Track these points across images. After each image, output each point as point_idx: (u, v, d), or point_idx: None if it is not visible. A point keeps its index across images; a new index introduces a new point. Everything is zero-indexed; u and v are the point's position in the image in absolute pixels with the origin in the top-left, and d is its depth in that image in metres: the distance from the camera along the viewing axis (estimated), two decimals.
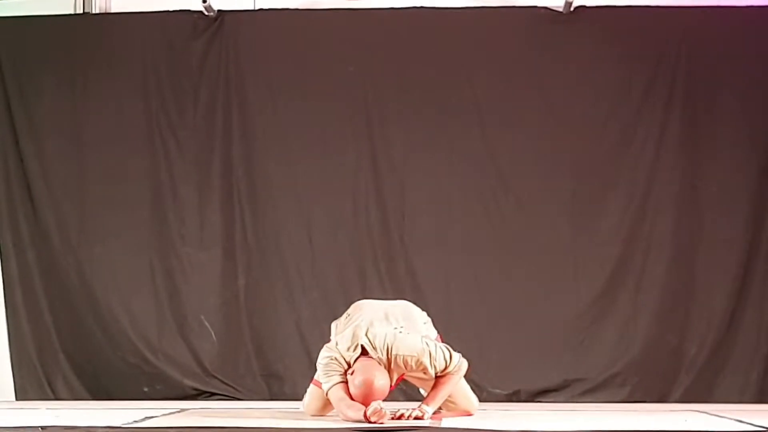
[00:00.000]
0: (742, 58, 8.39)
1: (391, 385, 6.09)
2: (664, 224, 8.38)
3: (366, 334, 6.08)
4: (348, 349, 6.07)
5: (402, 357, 6.04)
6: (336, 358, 6.07)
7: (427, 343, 6.12)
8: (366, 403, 5.83)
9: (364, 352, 6.05)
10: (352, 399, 5.96)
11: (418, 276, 8.43)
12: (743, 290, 8.31)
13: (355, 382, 5.94)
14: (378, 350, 6.03)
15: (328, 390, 6.07)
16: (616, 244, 8.41)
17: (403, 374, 6.20)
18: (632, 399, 8.18)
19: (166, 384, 8.41)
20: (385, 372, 6.01)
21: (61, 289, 8.54)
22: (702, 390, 8.21)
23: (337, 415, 6.22)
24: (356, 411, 5.86)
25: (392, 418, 5.83)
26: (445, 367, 6.11)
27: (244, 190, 8.55)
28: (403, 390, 7.51)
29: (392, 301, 6.62)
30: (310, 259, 8.50)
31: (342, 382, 6.04)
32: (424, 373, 6.12)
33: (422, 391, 6.39)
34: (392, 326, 6.18)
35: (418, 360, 6.05)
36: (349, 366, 6.03)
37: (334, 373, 6.07)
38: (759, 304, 8.29)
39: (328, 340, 6.33)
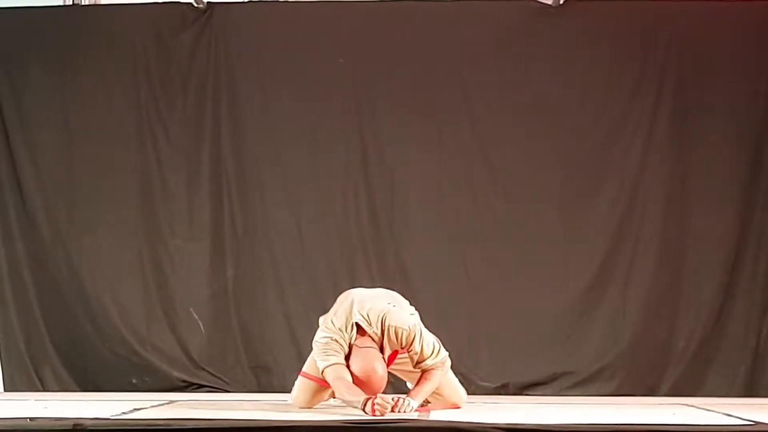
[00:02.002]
0: (731, 52, 8.40)
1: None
2: (652, 218, 8.39)
3: (359, 311, 6.11)
4: (345, 328, 6.09)
5: (394, 328, 6.09)
6: (336, 339, 6.09)
7: (417, 323, 6.20)
8: (368, 393, 5.89)
9: (360, 332, 6.08)
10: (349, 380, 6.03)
11: (408, 269, 8.43)
12: (731, 284, 8.32)
13: (354, 371, 5.99)
14: (373, 325, 6.08)
15: (325, 369, 6.10)
16: (605, 238, 8.41)
17: (396, 353, 6.21)
18: (620, 392, 8.19)
19: (155, 375, 8.41)
20: (383, 362, 6.06)
21: (49, 280, 8.52)
22: (690, 383, 8.23)
23: (325, 408, 6.24)
24: (355, 396, 5.92)
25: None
26: (432, 356, 6.15)
27: (234, 182, 8.54)
28: (391, 382, 7.49)
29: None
30: (299, 251, 8.50)
31: (340, 363, 6.07)
32: (408, 352, 6.15)
33: (409, 385, 6.40)
34: (384, 302, 6.25)
35: (409, 334, 6.11)
36: (350, 348, 6.06)
37: (333, 353, 6.09)
38: (747, 298, 8.30)
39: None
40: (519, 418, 5.82)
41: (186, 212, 8.57)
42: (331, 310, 6.30)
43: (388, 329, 6.10)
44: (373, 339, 6.09)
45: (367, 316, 6.12)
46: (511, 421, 5.48)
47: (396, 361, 6.32)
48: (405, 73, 8.52)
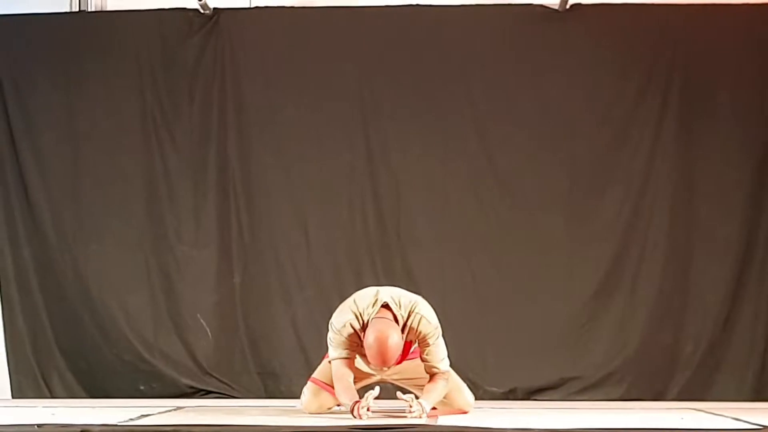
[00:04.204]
0: (737, 56, 8.38)
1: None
2: (659, 223, 8.38)
3: (390, 294, 6.18)
4: (372, 304, 6.12)
5: (420, 317, 6.15)
6: (352, 324, 6.11)
7: (439, 326, 6.25)
8: (379, 362, 5.95)
9: (384, 306, 6.11)
10: (357, 368, 6.21)
11: (414, 274, 8.42)
12: (739, 288, 8.30)
13: (368, 339, 5.98)
14: (402, 308, 6.13)
15: (333, 359, 6.20)
16: (612, 243, 8.40)
17: (409, 345, 6.23)
18: (628, 397, 8.17)
19: (162, 382, 8.41)
20: (399, 331, 6.06)
21: (57, 287, 8.53)
22: (698, 388, 8.20)
23: (334, 414, 6.26)
24: (347, 399, 6.01)
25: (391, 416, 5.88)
26: (439, 361, 6.21)
27: (240, 187, 8.54)
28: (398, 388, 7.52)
29: None
30: (305, 256, 8.49)
31: (348, 358, 6.14)
32: (421, 344, 6.19)
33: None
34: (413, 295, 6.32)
35: (429, 326, 6.16)
36: (365, 326, 6.07)
37: (343, 346, 6.15)
38: (755, 302, 8.28)
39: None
40: (527, 423, 5.81)
41: (192, 218, 8.57)
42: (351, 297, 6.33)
43: (415, 316, 6.15)
44: (396, 319, 6.11)
45: (398, 299, 6.18)
46: (519, 426, 5.48)
47: (401, 366, 6.35)
48: (410, 77, 8.52)
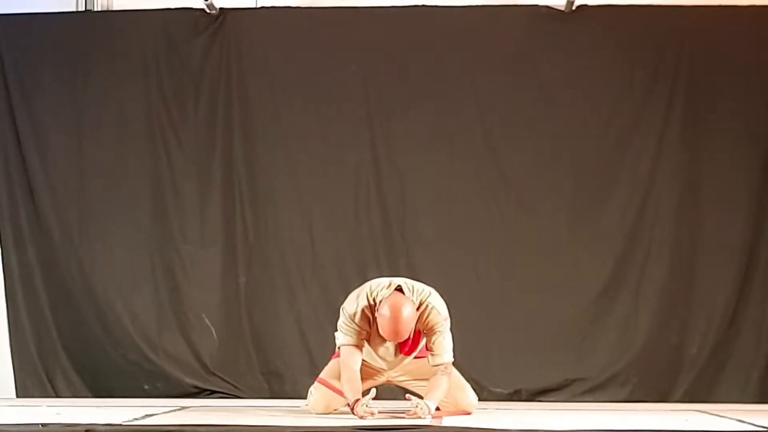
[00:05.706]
0: (743, 57, 8.38)
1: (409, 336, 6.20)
2: (664, 223, 8.37)
3: (405, 281, 6.26)
4: (387, 287, 6.19)
5: (432, 307, 6.22)
6: (363, 310, 6.16)
7: (448, 320, 6.31)
8: (392, 334, 6.02)
9: (398, 290, 6.18)
10: (364, 364, 6.26)
11: (419, 274, 8.36)
12: (744, 289, 8.29)
13: (382, 311, 6.04)
14: (414, 295, 6.19)
15: (341, 346, 6.27)
16: (617, 243, 8.39)
17: (418, 335, 6.25)
18: (633, 398, 8.17)
19: (167, 381, 8.41)
20: (414, 305, 6.12)
21: (61, 286, 8.53)
22: (703, 389, 8.20)
23: (340, 415, 6.26)
24: (350, 393, 6.07)
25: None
26: (443, 352, 6.24)
27: (245, 187, 8.55)
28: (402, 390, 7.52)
29: None
30: (310, 256, 8.50)
31: (355, 345, 6.20)
32: (428, 333, 6.21)
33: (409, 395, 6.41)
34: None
35: (440, 320, 6.22)
36: (378, 306, 6.11)
37: (353, 333, 6.20)
38: (760, 303, 8.28)
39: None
40: (531, 424, 5.82)
41: (198, 218, 8.58)
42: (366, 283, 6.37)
43: (427, 305, 6.21)
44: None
45: (412, 287, 6.24)
46: (523, 427, 5.48)
47: (406, 366, 6.36)
48: (416, 78, 8.51)
